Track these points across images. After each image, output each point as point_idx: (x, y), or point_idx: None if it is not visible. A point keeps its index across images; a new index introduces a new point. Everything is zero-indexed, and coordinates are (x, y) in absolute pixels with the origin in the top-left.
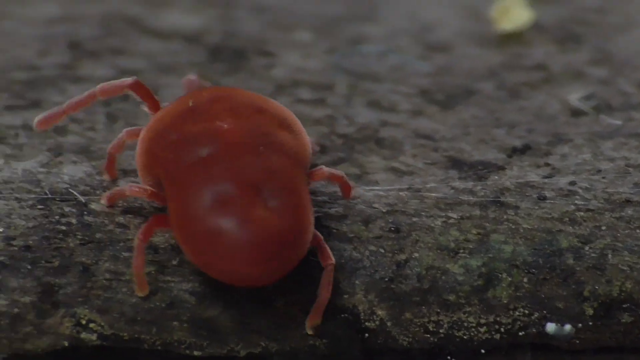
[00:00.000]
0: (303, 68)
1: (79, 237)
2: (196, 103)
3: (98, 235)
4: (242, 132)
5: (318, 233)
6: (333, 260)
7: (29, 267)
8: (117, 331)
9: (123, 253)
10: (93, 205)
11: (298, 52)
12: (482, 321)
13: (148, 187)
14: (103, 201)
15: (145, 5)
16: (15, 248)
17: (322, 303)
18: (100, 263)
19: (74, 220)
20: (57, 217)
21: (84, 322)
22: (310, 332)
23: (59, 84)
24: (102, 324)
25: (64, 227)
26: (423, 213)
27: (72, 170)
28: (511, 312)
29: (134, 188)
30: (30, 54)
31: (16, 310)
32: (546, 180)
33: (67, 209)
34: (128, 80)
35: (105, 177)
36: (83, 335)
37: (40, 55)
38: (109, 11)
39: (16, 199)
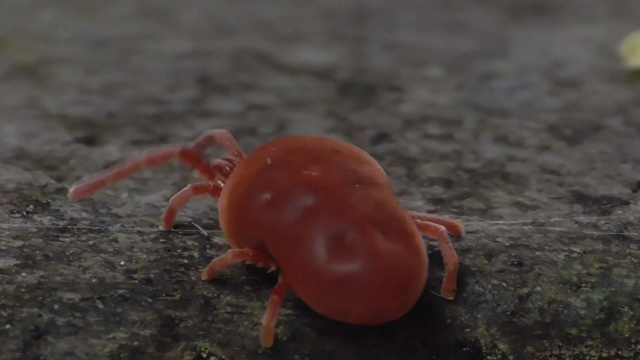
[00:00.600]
0: (432, 103)
1: (200, 270)
2: (273, 159)
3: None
4: (333, 174)
5: None
6: (442, 227)
7: (150, 300)
8: None
9: (245, 286)
10: (215, 239)
11: (427, 88)
12: (604, 355)
13: (249, 250)
14: (204, 277)
15: (277, 41)
16: (136, 281)
17: (453, 269)
18: (222, 296)
19: (196, 254)
20: (179, 250)
21: (204, 355)
22: (450, 297)
23: (187, 118)
24: (223, 357)
25: (185, 261)
26: (546, 247)
27: (196, 204)
28: (633, 346)
29: (236, 254)
30: (159, 89)
31: (136, 343)
32: None
33: (189, 243)
34: (175, 149)
35: (161, 227)
36: None
37: (169, 90)
38: (240, 47)
39: (138, 232)
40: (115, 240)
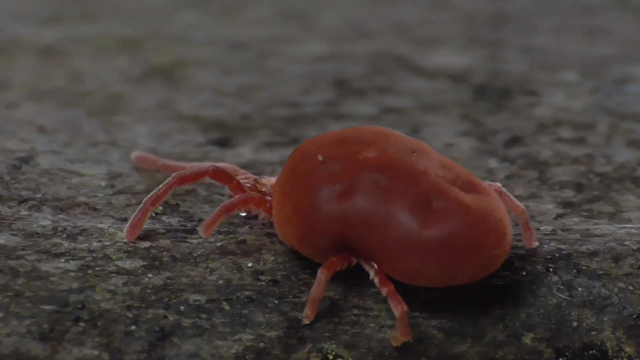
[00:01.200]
0: (566, 107)
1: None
2: (323, 154)
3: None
4: (388, 150)
5: None
6: (498, 184)
7: (276, 301)
8: None
9: (372, 289)
10: None
11: (562, 92)
12: None
13: (334, 259)
14: (308, 319)
15: (414, 45)
16: (263, 283)
17: (525, 218)
18: (348, 299)
19: None
20: None
21: (331, 357)
22: (534, 245)
23: (320, 121)
24: (349, 359)
25: (312, 262)
26: None
27: None
28: None
29: (328, 270)
30: (294, 92)
31: (262, 344)
32: None
33: None
34: (207, 167)
35: (201, 232)
36: None
37: (303, 93)
38: (377, 50)
39: (267, 234)
40: (244, 241)
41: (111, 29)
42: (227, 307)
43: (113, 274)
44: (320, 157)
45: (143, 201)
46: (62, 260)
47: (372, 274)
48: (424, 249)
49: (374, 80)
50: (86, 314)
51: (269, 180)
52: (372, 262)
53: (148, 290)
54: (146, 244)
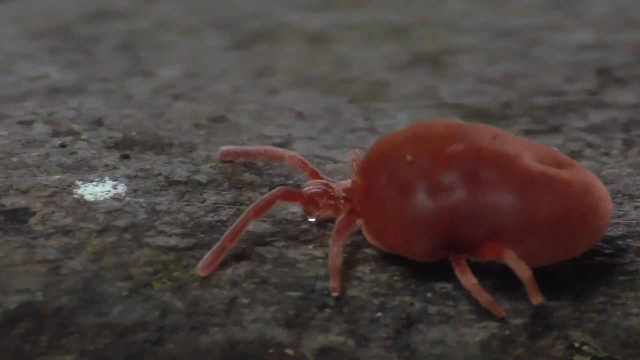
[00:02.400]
0: None
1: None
2: (410, 154)
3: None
4: (473, 140)
5: None
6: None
7: (523, 290)
8: (611, 354)
9: (619, 277)
10: None
11: None
12: None
13: (457, 257)
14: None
15: None
16: None
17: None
18: (595, 287)
19: None
20: None
21: (577, 344)
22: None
23: (581, 109)
24: (596, 346)
25: None
26: None
27: None
28: None
29: (465, 272)
30: (557, 80)
31: (507, 332)
32: None
33: None
34: (277, 193)
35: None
36: (576, 357)
37: (566, 81)
38: None
39: None
40: None
41: (380, 15)
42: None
43: (360, 262)
44: (409, 158)
45: (222, 238)
46: (310, 247)
47: (482, 259)
48: (541, 229)
49: (638, 69)
50: (332, 301)
51: (340, 184)
52: (480, 249)
53: (395, 278)
54: None
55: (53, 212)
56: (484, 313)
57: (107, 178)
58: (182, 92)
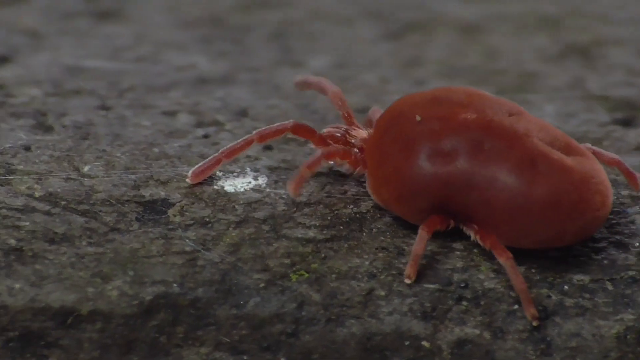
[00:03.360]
0: None
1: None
2: (419, 114)
3: None
4: (487, 112)
5: None
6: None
7: None
8: None
9: None
10: None
11: None
12: None
13: (435, 218)
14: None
15: None
16: None
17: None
18: None
19: None
20: None
21: None
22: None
23: None
24: None
25: None
26: None
27: None
28: None
29: (428, 228)
30: None
31: None
32: None
33: None
34: (287, 123)
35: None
36: None
37: None
38: None
39: None
40: (632, 222)
41: (534, 6)
42: (610, 287)
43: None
44: (418, 117)
45: (219, 151)
46: (448, 239)
47: (472, 234)
48: (531, 210)
49: None
50: (469, 293)
51: (360, 133)
52: (472, 224)
53: (533, 270)
54: None
55: (192, 204)
56: (620, 306)
57: (248, 169)
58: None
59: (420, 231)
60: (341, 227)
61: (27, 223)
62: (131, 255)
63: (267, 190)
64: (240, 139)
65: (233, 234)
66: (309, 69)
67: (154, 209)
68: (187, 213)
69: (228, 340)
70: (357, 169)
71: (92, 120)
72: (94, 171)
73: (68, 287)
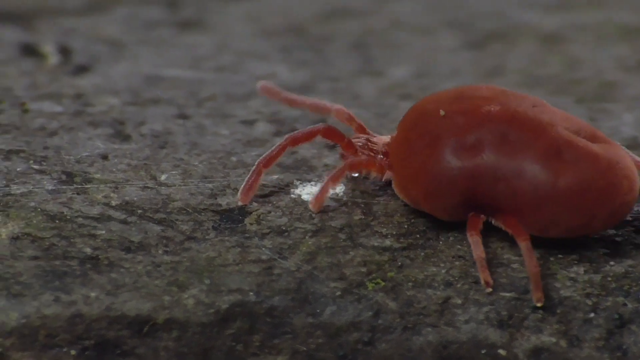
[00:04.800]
0: None
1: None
2: (444, 109)
3: None
4: (511, 104)
5: None
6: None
7: None
8: None
9: None
10: None
11: None
12: None
13: (473, 215)
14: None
15: None
16: None
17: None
18: None
19: None
20: None
21: None
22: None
23: None
24: None
25: None
26: None
27: None
28: None
29: (475, 228)
30: None
31: None
32: None
33: None
34: (318, 127)
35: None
36: None
37: None
38: None
39: None
40: None
41: (615, 15)
42: None
43: (575, 262)
44: (442, 112)
45: (256, 163)
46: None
47: (500, 224)
48: (559, 198)
49: None
50: (545, 301)
51: (381, 139)
52: (502, 216)
53: (609, 279)
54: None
55: (269, 212)
56: None
57: (325, 178)
58: (409, 92)
59: (469, 237)
60: (417, 236)
61: (103, 232)
62: (207, 263)
63: (344, 198)
64: (274, 146)
65: (309, 242)
66: (388, 78)
67: (231, 218)
68: (263, 222)
69: (304, 348)
70: (385, 175)
71: (170, 129)
72: (171, 180)
73: (144, 296)
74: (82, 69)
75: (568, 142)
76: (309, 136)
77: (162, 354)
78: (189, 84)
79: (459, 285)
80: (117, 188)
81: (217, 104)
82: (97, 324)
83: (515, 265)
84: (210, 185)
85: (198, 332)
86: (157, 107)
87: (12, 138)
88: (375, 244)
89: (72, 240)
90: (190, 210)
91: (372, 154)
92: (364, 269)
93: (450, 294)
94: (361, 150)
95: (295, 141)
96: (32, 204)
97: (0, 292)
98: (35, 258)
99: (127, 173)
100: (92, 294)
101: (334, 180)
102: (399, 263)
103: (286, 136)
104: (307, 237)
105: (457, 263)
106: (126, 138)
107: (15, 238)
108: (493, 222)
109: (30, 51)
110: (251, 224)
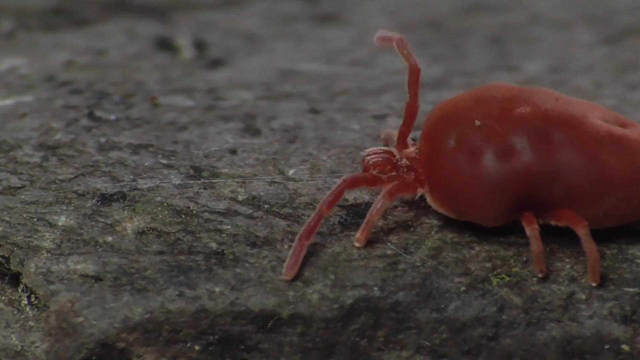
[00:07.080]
0: None
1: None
2: (479, 119)
3: None
4: (538, 102)
5: None
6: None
7: None
8: None
9: None
10: None
11: None
12: None
13: (527, 215)
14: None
15: None
16: None
17: None
18: None
19: None
20: None
21: None
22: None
23: None
24: None
25: None
26: None
27: None
28: None
29: (536, 231)
30: None
31: None
32: None
33: None
34: (342, 186)
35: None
36: None
37: None
38: None
39: None
40: None
41: None
42: None
43: None
44: (477, 123)
45: (297, 237)
46: None
47: (553, 222)
48: (612, 190)
49: None
50: None
51: (403, 153)
52: (555, 212)
53: None
54: None
55: (395, 207)
56: None
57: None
58: (542, 87)
59: (530, 232)
60: (543, 231)
61: (229, 226)
62: (332, 258)
63: None
64: (310, 217)
65: (435, 237)
66: (523, 73)
67: (357, 213)
68: (390, 217)
69: (429, 344)
70: (418, 192)
71: (300, 123)
72: (299, 174)
73: (268, 291)
74: (216, 63)
75: (607, 131)
76: (338, 196)
77: (286, 349)
78: (323, 78)
79: (583, 281)
80: (244, 183)
81: (349, 98)
82: (221, 319)
83: (639, 261)
84: (338, 180)
85: (322, 327)
86: (289, 102)
87: (142, 132)
88: (501, 239)
89: (197, 235)
90: (317, 206)
91: (396, 172)
92: (488, 264)
93: (575, 289)
94: (388, 176)
95: (329, 206)
96: (159, 198)
97: (124, 287)
98: (160, 253)
99: (255, 168)
100: (217, 289)
101: (377, 214)
102: (524, 258)
103: (320, 205)
104: (432, 232)
105: (581, 258)
106: (256, 132)
107: (140, 233)
108: (541, 221)
109: (165, 45)
110: (378, 219)
